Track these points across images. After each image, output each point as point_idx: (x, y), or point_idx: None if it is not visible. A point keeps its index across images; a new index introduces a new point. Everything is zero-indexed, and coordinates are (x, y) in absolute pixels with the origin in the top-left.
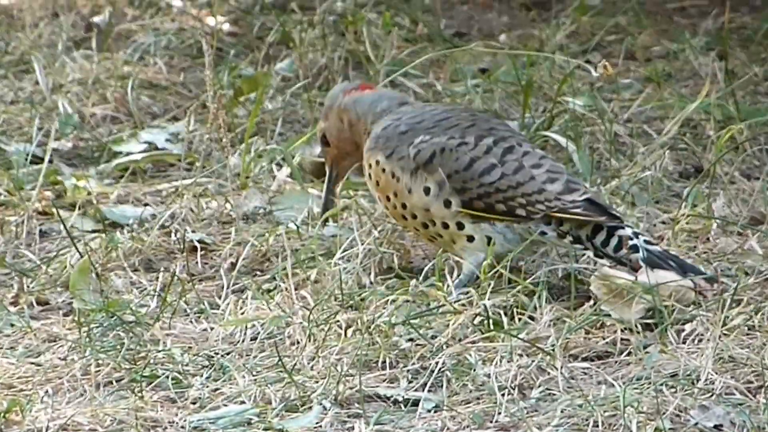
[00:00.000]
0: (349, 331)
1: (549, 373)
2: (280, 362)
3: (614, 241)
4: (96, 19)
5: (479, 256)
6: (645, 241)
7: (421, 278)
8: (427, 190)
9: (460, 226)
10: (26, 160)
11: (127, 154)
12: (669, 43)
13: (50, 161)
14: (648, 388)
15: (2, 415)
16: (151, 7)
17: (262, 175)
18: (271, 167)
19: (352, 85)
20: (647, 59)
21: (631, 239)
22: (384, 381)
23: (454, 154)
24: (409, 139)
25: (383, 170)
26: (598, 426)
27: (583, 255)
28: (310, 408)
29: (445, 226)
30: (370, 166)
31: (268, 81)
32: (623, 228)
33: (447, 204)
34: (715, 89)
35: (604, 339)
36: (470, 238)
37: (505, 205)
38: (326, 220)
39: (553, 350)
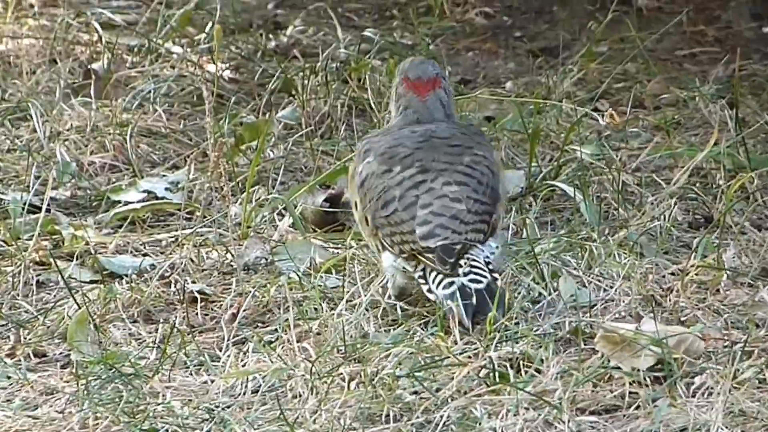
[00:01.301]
0: (352, 384)
1: (556, 427)
2: (281, 416)
3: (440, 278)
4: (94, 65)
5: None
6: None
7: (425, 328)
8: (356, 206)
9: (377, 248)
10: (23, 209)
11: (126, 203)
12: (678, 91)
13: (48, 210)
14: None
15: None
16: (150, 53)
17: (263, 225)
18: (273, 217)
19: (416, 73)
20: (656, 107)
21: (451, 282)
22: None
23: (377, 180)
24: (365, 157)
25: (352, 179)
26: None
27: (593, 307)
28: None
29: (372, 244)
30: (352, 173)
31: (269, 129)
32: (465, 275)
33: (366, 222)
34: (725, 138)
35: (612, 392)
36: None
37: (390, 239)
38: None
39: (560, 404)
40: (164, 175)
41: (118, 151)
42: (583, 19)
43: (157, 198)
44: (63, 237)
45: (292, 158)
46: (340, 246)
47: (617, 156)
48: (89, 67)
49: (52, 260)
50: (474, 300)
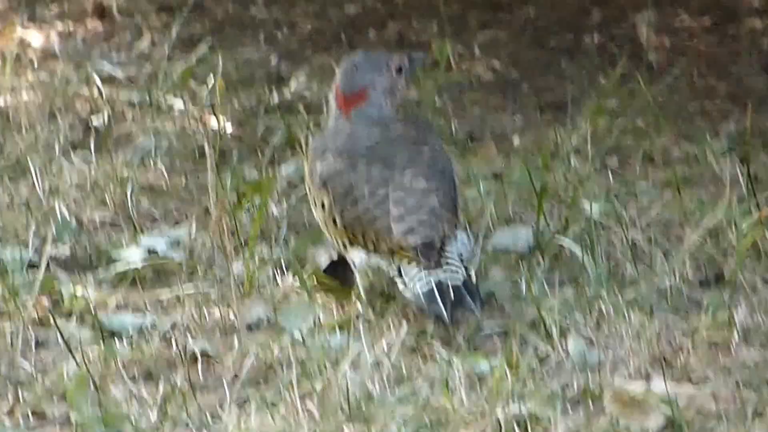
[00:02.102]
0: None
1: None
2: None
3: (418, 274)
4: (94, 120)
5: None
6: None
7: (431, 387)
8: (323, 206)
9: (344, 246)
10: (22, 266)
11: (127, 260)
12: (689, 146)
13: (47, 268)
14: None
15: None
16: (151, 108)
17: (266, 283)
18: (276, 274)
19: (352, 86)
20: (666, 163)
21: (428, 279)
22: None
23: (340, 178)
24: (322, 157)
25: (307, 181)
26: None
27: (602, 366)
28: None
29: (337, 242)
30: (306, 173)
31: (272, 185)
32: (440, 272)
33: (334, 222)
34: (736, 194)
35: None
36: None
37: (362, 236)
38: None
39: None
40: (165, 232)
41: (119, 207)
42: (592, 73)
43: (158, 255)
44: (62, 295)
45: (296, 215)
46: (344, 303)
47: (626, 213)
48: (89, 122)
49: (51, 318)
50: (452, 296)
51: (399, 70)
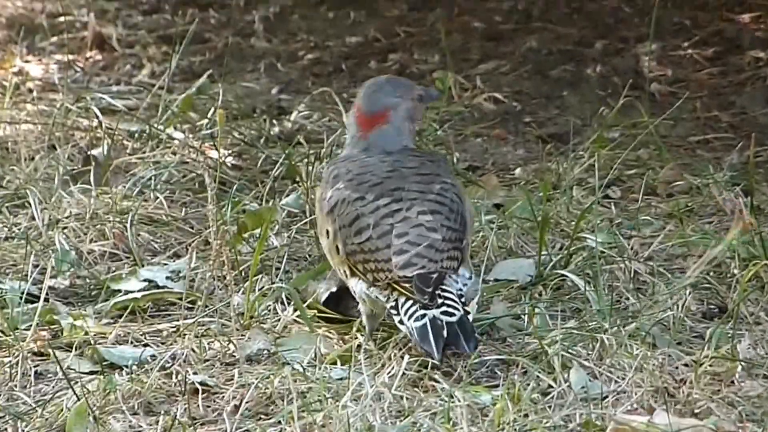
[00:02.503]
0: None
1: None
2: None
3: (413, 309)
4: (94, 151)
5: (367, 311)
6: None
7: (432, 419)
8: (328, 234)
9: (346, 275)
10: (21, 298)
11: (126, 292)
12: (692, 178)
13: (46, 300)
14: None
15: None
16: (151, 139)
17: (267, 315)
18: (276, 306)
19: (374, 107)
20: (669, 194)
21: (422, 314)
22: None
23: (349, 207)
24: (333, 184)
25: (317, 207)
26: None
27: (605, 399)
28: None
29: (340, 270)
30: (317, 199)
31: (273, 216)
32: (438, 308)
33: (337, 250)
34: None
35: None
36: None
37: (362, 267)
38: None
39: None
40: (165, 264)
41: (118, 239)
42: (594, 104)
43: (158, 287)
44: (62, 327)
45: (296, 246)
46: (345, 335)
47: (629, 244)
48: (89, 153)
49: (50, 351)
50: (445, 333)
51: (420, 99)
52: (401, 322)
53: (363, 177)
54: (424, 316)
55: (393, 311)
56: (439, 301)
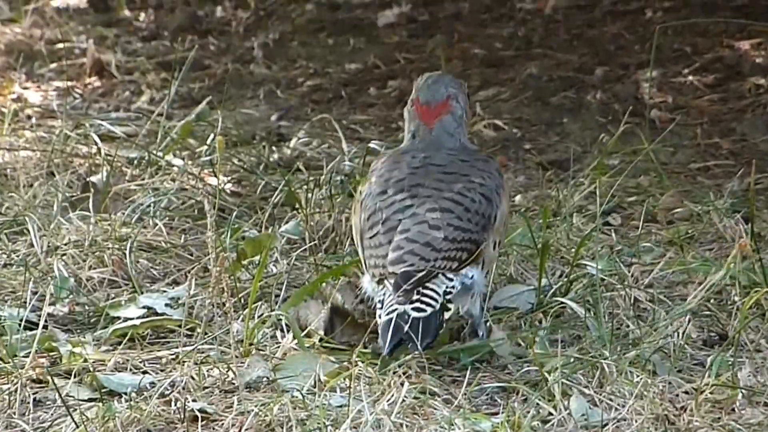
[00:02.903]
0: None
1: None
2: None
3: (388, 304)
4: (93, 178)
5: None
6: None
7: None
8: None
9: (361, 271)
10: (20, 325)
11: (126, 319)
12: (692, 205)
13: (45, 327)
14: None
15: None
16: (150, 166)
17: (266, 342)
18: (276, 333)
19: (434, 98)
20: (669, 221)
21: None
22: None
23: (371, 200)
24: (372, 176)
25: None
26: None
27: (605, 426)
28: None
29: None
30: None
31: (272, 243)
32: (408, 303)
33: (358, 245)
34: (740, 253)
35: None
36: None
37: (367, 262)
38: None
39: None
40: (164, 291)
41: (117, 266)
42: (595, 131)
43: (157, 314)
44: (61, 354)
45: (296, 273)
46: (345, 361)
47: (629, 271)
48: (88, 180)
49: (49, 378)
50: (406, 328)
51: (468, 96)
52: (379, 316)
53: (391, 173)
54: (394, 311)
55: (378, 305)
56: (415, 297)
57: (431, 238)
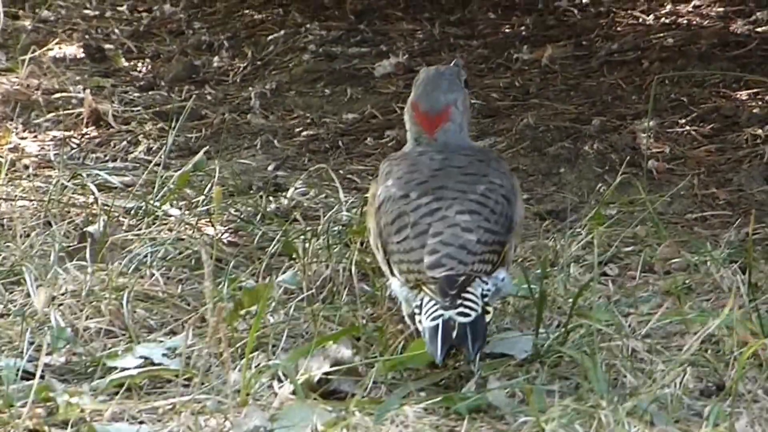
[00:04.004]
0: None
1: None
2: None
3: (432, 309)
4: (90, 228)
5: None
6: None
7: None
8: (373, 232)
9: (385, 276)
10: (16, 375)
11: (122, 369)
12: (689, 255)
13: (42, 377)
14: None
15: None
16: (147, 216)
17: (263, 392)
18: (273, 383)
19: (434, 110)
20: (667, 272)
21: (438, 315)
22: None
23: (393, 205)
24: (384, 180)
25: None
26: None
27: None
28: None
29: (382, 271)
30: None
31: (269, 293)
32: (452, 309)
33: (378, 248)
34: (737, 304)
35: None
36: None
37: (397, 266)
38: None
39: None
40: (161, 341)
41: (114, 316)
42: (592, 181)
43: (154, 364)
44: (58, 404)
45: (294, 323)
46: (343, 410)
47: (627, 321)
48: (85, 230)
49: (46, 428)
50: (454, 335)
51: (466, 84)
52: (420, 322)
53: (411, 175)
54: (439, 316)
55: (417, 311)
56: (458, 301)
57: (465, 240)
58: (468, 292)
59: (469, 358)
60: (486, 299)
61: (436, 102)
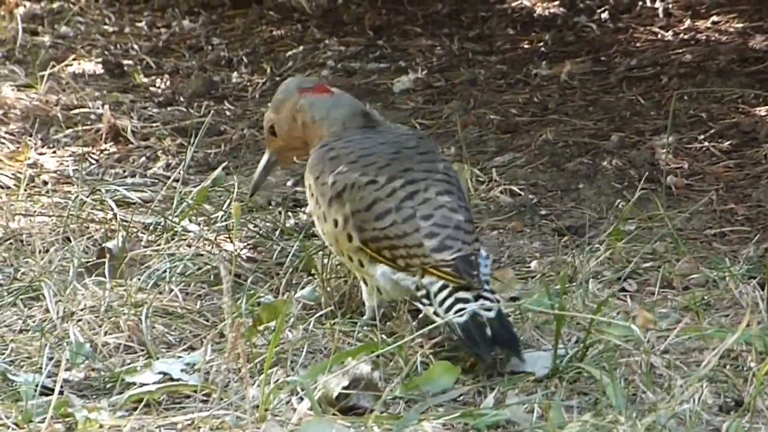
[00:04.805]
0: None
1: None
2: None
3: (449, 301)
4: (109, 244)
5: (375, 300)
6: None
7: None
8: (335, 222)
9: (361, 264)
10: (35, 391)
11: (141, 385)
12: (708, 271)
13: (60, 392)
14: None
15: None
16: (166, 231)
17: (281, 408)
18: (291, 399)
19: (307, 84)
20: (685, 287)
21: (464, 308)
22: None
23: (361, 191)
24: (333, 166)
25: (312, 194)
26: None
27: None
28: None
29: (351, 259)
30: (308, 186)
31: (288, 309)
32: (475, 299)
33: (349, 238)
34: (756, 319)
35: None
36: (364, 280)
37: (390, 253)
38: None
39: None
40: (180, 356)
41: (133, 331)
42: (610, 197)
43: (172, 379)
44: (76, 420)
45: (312, 339)
46: (362, 426)
47: (645, 337)
48: (103, 245)
49: None
50: (489, 331)
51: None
52: (436, 313)
53: (368, 159)
54: (463, 310)
55: (425, 300)
56: (480, 291)
57: (457, 221)
58: (482, 279)
59: (520, 357)
60: (486, 278)
61: (302, 83)
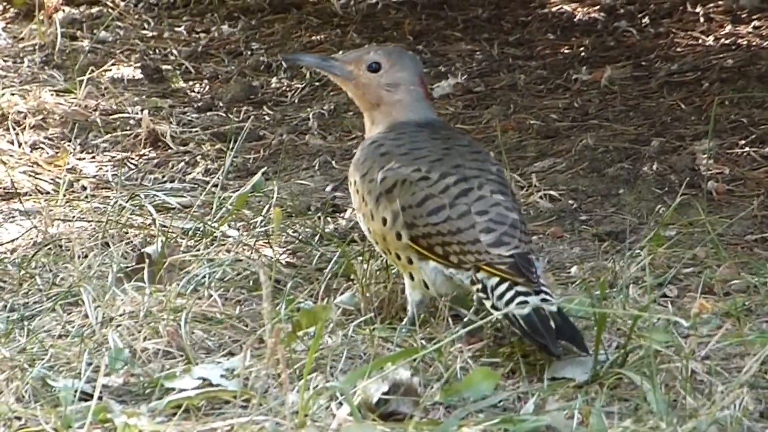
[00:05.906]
0: None
1: None
2: None
3: (510, 294)
4: (148, 249)
5: (419, 296)
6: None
7: None
8: (384, 220)
9: (410, 261)
10: (75, 396)
11: (180, 390)
12: (749, 277)
13: (100, 398)
14: None
15: None
16: (205, 237)
17: (321, 413)
18: (331, 405)
19: (423, 75)
20: (726, 293)
21: (526, 301)
22: None
23: (413, 187)
24: (382, 163)
25: (357, 191)
26: None
27: None
28: None
29: (398, 257)
30: (353, 182)
31: (328, 315)
32: (536, 294)
33: (398, 236)
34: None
35: None
36: (411, 276)
37: (442, 249)
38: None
39: None
40: (219, 362)
41: (172, 337)
42: (651, 202)
43: (212, 385)
44: (116, 425)
45: (352, 345)
46: None
47: (686, 343)
48: (142, 251)
49: None
50: (552, 324)
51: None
52: (494, 306)
53: (419, 153)
54: (525, 303)
55: (482, 295)
56: (538, 287)
57: (513, 220)
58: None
59: (586, 350)
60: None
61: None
